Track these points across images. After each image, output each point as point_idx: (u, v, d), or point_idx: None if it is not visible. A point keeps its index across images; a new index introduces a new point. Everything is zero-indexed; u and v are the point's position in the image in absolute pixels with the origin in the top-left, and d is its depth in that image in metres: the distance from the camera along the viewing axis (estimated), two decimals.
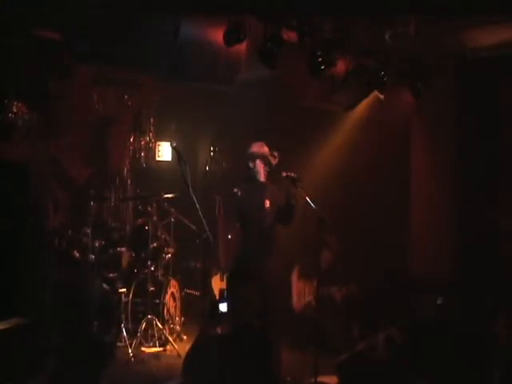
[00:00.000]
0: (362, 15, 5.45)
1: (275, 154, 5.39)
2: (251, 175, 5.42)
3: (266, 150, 5.41)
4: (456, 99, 6.99)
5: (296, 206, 5.30)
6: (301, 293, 7.02)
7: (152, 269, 6.76)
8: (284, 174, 5.21)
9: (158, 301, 6.72)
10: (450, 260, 6.85)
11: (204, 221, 4.75)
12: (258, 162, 5.38)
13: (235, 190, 5.34)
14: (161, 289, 6.77)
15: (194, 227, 6.87)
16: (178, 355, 6.39)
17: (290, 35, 5.61)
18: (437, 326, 6.27)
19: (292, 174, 5.19)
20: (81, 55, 5.58)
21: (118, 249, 6.74)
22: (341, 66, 6.45)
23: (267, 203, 5.34)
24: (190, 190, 4.70)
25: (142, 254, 6.86)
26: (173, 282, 7.01)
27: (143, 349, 6.45)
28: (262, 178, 5.41)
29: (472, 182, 6.82)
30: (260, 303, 5.21)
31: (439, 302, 6.37)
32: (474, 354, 5.74)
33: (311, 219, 5.34)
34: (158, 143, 8.28)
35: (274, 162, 5.37)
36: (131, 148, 8.05)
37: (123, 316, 6.47)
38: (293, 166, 5.39)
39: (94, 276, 6.19)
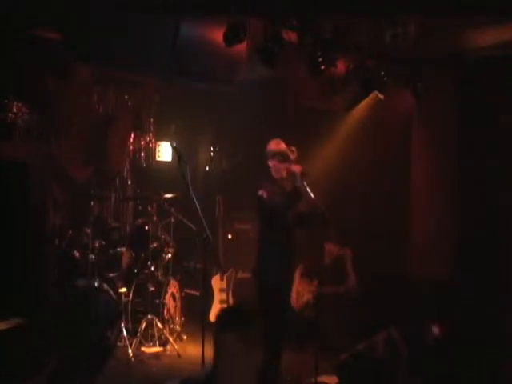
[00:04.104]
0: (362, 15, 5.45)
1: (293, 149, 5.20)
2: (271, 174, 5.18)
3: (283, 146, 5.19)
4: (456, 99, 6.99)
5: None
6: (301, 291, 7.01)
7: (152, 269, 6.75)
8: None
9: (158, 301, 6.71)
10: (450, 260, 6.85)
11: (204, 221, 4.74)
12: (277, 160, 5.14)
13: (260, 193, 5.04)
14: (161, 289, 6.76)
15: (194, 227, 6.86)
16: (178, 355, 6.39)
17: (290, 35, 5.61)
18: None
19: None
20: (81, 55, 5.59)
21: (118, 249, 6.73)
22: (341, 66, 6.46)
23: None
24: (190, 190, 4.71)
25: (142, 254, 6.86)
26: (173, 282, 7.01)
27: (143, 349, 6.45)
28: (282, 175, 5.16)
29: (472, 182, 6.82)
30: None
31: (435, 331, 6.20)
32: (473, 353, 5.75)
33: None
34: (158, 143, 8.28)
35: (292, 157, 5.16)
36: (131, 148, 8.06)
37: (123, 316, 6.47)
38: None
39: (95, 276, 6.18)
